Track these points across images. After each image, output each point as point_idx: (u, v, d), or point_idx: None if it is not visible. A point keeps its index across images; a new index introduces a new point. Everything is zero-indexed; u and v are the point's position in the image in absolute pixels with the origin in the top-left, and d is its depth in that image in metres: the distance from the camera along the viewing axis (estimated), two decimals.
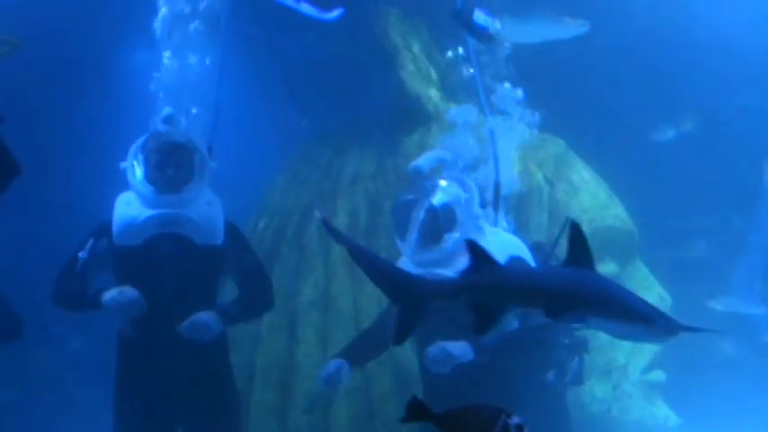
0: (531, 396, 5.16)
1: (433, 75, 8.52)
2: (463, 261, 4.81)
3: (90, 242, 4.97)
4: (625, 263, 7.98)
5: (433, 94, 8.25)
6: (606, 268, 7.80)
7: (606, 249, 7.77)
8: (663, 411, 7.46)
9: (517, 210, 6.93)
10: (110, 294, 4.72)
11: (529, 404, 5.05)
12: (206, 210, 5.01)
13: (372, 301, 6.88)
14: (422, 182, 5.19)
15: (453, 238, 4.93)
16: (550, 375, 5.56)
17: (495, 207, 5.50)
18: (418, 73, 8.23)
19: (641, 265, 8.16)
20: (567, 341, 5.53)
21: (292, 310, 7.00)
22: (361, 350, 5.42)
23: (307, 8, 6.75)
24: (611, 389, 7.34)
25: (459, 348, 4.70)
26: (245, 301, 5.14)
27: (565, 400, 5.84)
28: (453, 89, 8.49)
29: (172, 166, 4.97)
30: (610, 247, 7.78)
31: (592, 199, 7.83)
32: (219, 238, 5.01)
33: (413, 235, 5.01)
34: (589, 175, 8.09)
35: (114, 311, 4.75)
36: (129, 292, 4.73)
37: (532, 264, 5.18)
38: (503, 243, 5.12)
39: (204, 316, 4.87)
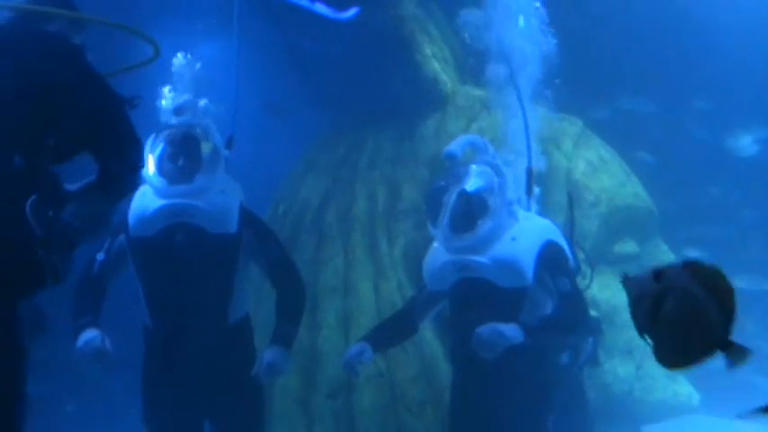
0: (556, 377, 5.18)
1: (449, 57, 8.49)
2: (496, 247, 4.87)
3: (107, 242, 5.02)
4: (645, 241, 7.94)
5: (450, 76, 8.23)
6: (626, 247, 7.78)
7: (625, 228, 7.74)
8: (686, 390, 7.44)
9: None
10: (79, 342, 4.78)
11: (556, 386, 5.11)
12: (218, 198, 5.00)
13: (393, 286, 6.89)
14: (455, 167, 5.15)
15: (486, 224, 4.89)
16: (565, 357, 5.55)
17: (528, 192, 5.46)
18: (434, 56, 8.20)
19: (661, 242, 8.11)
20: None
21: (313, 296, 7.00)
22: (385, 335, 5.42)
23: (321, 8, 6.74)
24: (633, 369, 7.31)
25: (511, 330, 4.58)
26: (289, 313, 5.16)
27: (581, 382, 5.83)
28: (470, 71, 8.46)
29: (183, 156, 5.00)
30: (629, 225, 7.75)
31: (610, 178, 7.78)
32: (233, 226, 5.00)
33: (444, 220, 4.96)
34: (607, 154, 8.04)
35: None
36: (91, 341, 4.76)
37: (567, 247, 5.14)
38: (537, 227, 5.11)
39: (271, 356, 4.94)
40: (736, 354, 2.36)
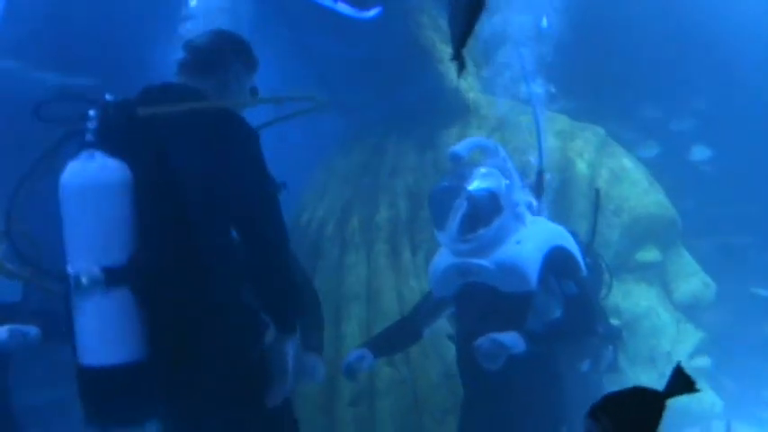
0: (572, 386, 5.13)
1: (471, 67, 8.48)
2: (500, 251, 4.81)
3: None
4: (668, 249, 7.94)
5: (471, 85, 8.25)
6: (649, 255, 7.78)
7: (648, 236, 7.73)
8: (709, 397, 7.41)
9: (560, 199, 6.90)
10: None
11: (572, 394, 5.05)
12: None
13: (416, 295, 6.90)
14: (460, 168, 5.10)
15: (492, 226, 4.78)
16: (586, 365, 5.51)
17: (538, 195, 5.36)
18: (454, 65, 8.21)
19: (684, 251, 8.10)
20: (601, 330, 5.42)
21: (336, 304, 7.04)
22: (387, 342, 5.38)
23: (344, 7, 6.72)
24: (656, 376, 7.29)
25: (511, 339, 4.49)
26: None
27: (601, 389, 5.79)
28: (489, 80, 8.47)
29: None
30: (652, 234, 7.74)
31: (633, 186, 7.77)
32: None
33: (453, 224, 4.85)
34: (630, 163, 8.04)
35: None
36: None
37: (578, 254, 5.08)
38: (545, 232, 4.98)
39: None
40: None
